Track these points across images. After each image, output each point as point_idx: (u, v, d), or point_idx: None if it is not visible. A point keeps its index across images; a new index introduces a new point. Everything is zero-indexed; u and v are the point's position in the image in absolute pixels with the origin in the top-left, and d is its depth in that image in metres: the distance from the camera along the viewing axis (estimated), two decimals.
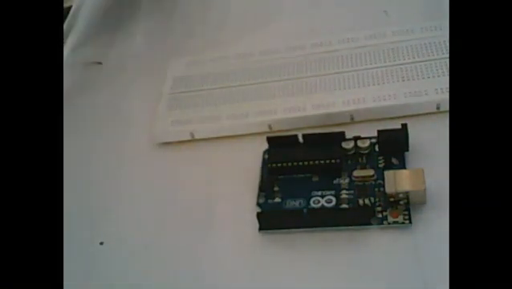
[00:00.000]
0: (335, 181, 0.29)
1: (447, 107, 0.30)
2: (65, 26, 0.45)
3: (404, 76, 0.32)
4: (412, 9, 0.37)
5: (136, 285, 0.28)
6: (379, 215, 0.27)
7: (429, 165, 0.27)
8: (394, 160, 0.29)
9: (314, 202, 0.28)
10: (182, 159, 0.33)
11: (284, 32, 0.39)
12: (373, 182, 0.28)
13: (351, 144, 0.30)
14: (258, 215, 0.28)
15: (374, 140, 0.30)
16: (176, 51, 0.40)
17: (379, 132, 0.29)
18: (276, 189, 0.29)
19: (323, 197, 0.28)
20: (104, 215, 0.31)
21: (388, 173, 0.27)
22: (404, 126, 0.29)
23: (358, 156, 0.29)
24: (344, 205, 0.27)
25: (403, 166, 0.28)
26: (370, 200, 0.27)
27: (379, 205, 0.27)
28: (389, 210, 0.27)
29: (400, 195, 0.26)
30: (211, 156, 0.33)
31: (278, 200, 0.29)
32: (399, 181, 0.26)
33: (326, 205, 0.28)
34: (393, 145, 0.29)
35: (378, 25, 0.36)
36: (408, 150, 0.29)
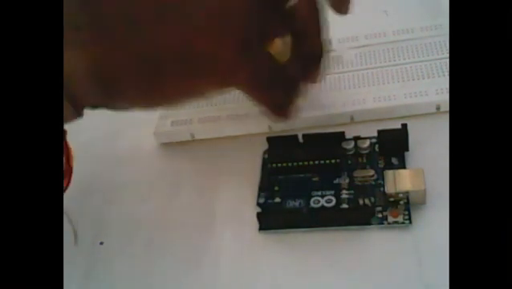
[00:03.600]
0: (335, 181, 0.29)
1: (447, 108, 0.30)
2: None
3: (404, 76, 0.32)
4: (412, 9, 0.37)
5: (136, 285, 0.28)
6: (379, 215, 0.27)
7: (429, 165, 0.27)
8: (394, 160, 0.29)
9: (314, 202, 0.28)
10: (182, 159, 0.33)
11: None
12: (373, 182, 0.28)
13: (351, 144, 0.30)
14: (258, 215, 0.28)
15: (374, 140, 0.30)
16: None
17: (379, 132, 0.29)
18: (276, 189, 0.29)
19: (323, 197, 0.28)
20: (104, 215, 0.31)
21: (388, 173, 0.27)
22: (404, 126, 0.29)
23: (358, 156, 0.29)
24: (344, 205, 0.27)
25: (403, 166, 0.28)
26: (370, 200, 0.27)
27: (379, 205, 0.27)
28: (389, 210, 0.27)
29: (400, 195, 0.26)
30: (211, 156, 0.33)
31: (278, 200, 0.29)
32: (399, 181, 0.26)
33: (326, 205, 0.28)
34: (393, 145, 0.29)
35: (378, 25, 0.36)
36: (408, 150, 0.29)
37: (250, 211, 0.28)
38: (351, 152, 0.30)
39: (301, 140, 0.30)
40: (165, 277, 0.28)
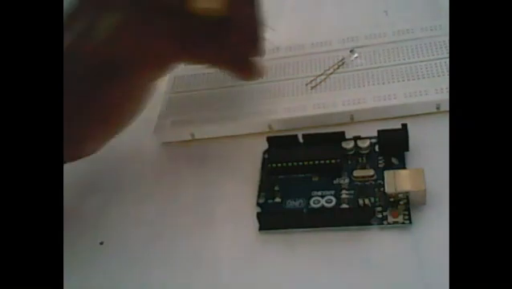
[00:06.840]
0: (335, 181, 0.29)
1: (447, 107, 0.30)
2: None
3: (404, 76, 0.32)
4: (412, 9, 0.37)
5: (136, 285, 0.28)
6: (379, 215, 0.27)
7: (429, 165, 0.27)
8: (394, 160, 0.29)
9: (314, 202, 0.28)
10: (182, 159, 0.33)
11: (284, 32, 0.39)
12: (373, 182, 0.28)
13: (351, 144, 0.30)
14: (258, 215, 0.28)
15: (374, 140, 0.30)
16: None
17: (379, 132, 0.29)
18: (276, 189, 0.29)
19: (323, 197, 0.28)
20: (104, 215, 0.31)
21: (388, 173, 0.27)
22: (404, 126, 0.29)
23: (358, 156, 0.29)
24: (344, 205, 0.27)
25: (403, 166, 0.28)
26: (370, 200, 0.27)
27: (379, 205, 0.27)
28: (389, 210, 0.27)
29: (400, 195, 0.26)
30: (211, 156, 0.33)
31: (278, 200, 0.29)
32: (399, 181, 0.26)
33: (326, 205, 0.28)
34: (393, 145, 0.29)
35: (378, 25, 0.36)
36: (408, 150, 0.29)
37: (250, 211, 0.28)
38: (351, 152, 0.30)
39: (301, 140, 0.30)
40: (165, 277, 0.28)
